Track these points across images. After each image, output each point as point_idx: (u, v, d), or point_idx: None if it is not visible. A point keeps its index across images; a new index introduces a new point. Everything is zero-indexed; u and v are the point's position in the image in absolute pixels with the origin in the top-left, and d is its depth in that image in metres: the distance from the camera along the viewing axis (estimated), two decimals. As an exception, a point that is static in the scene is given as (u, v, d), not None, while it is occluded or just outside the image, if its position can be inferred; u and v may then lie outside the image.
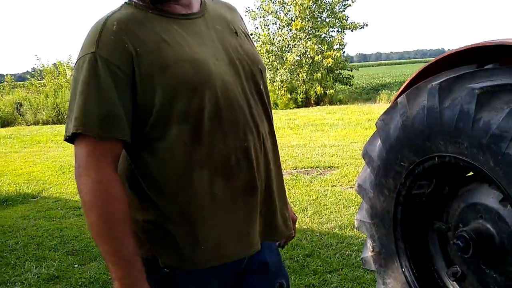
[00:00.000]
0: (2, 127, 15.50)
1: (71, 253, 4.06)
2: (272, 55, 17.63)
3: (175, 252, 1.22)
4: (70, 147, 7.32)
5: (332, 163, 6.71)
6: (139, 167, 1.21)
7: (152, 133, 1.18)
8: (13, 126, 15.80)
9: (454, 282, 2.05)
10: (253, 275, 1.36)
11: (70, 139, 1.16)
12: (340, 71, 18.56)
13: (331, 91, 17.42)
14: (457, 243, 1.88)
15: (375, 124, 2.18)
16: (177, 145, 1.17)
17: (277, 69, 17.33)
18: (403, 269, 2.12)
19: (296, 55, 17.42)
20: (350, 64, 21.07)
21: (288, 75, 17.27)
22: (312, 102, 17.15)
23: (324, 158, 7.08)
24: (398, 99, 2.04)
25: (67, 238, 4.42)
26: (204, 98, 1.17)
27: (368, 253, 2.30)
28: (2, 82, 24.90)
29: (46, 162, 8.36)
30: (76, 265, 3.79)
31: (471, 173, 1.93)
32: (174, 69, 1.15)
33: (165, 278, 1.24)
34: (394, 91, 14.89)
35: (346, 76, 18.66)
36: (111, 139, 1.14)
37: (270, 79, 16.75)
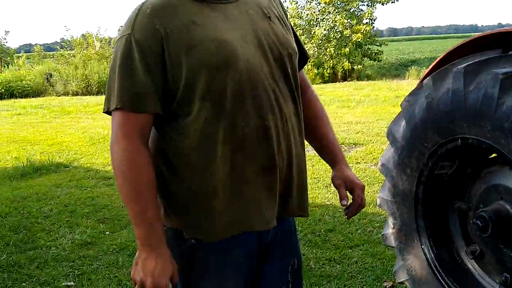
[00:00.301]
0: (33, 97, 15.88)
1: (102, 221, 4.23)
2: (300, 29, 17.47)
3: (196, 224, 1.31)
4: (100, 119, 7.55)
5: (357, 140, 6.72)
6: (167, 142, 1.31)
7: (179, 109, 1.28)
8: (43, 96, 16.16)
9: (472, 260, 2.11)
10: (275, 250, 1.43)
11: (107, 112, 1.29)
12: (369, 46, 18.28)
13: (359, 66, 17.23)
14: (476, 223, 1.93)
15: (400, 105, 2.22)
16: (200, 121, 1.26)
17: (304, 43, 17.19)
18: (423, 247, 2.19)
19: (324, 29, 17.22)
20: (380, 38, 20.70)
21: (316, 50, 17.12)
22: (339, 77, 17.01)
23: (350, 135, 7.09)
24: (424, 80, 2.07)
25: (98, 207, 4.60)
26: (227, 78, 1.25)
27: (389, 230, 2.37)
28: (31, 52, 25.37)
29: (77, 133, 8.59)
30: (107, 232, 3.96)
31: (493, 155, 1.96)
32: (199, 48, 1.23)
33: (192, 249, 1.34)
34: (424, 68, 14.62)
35: (375, 51, 18.37)
36: (141, 113, 1.25)
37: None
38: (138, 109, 1.24)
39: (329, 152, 1.61)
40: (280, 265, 1.47)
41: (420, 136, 2.08)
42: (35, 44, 24.82)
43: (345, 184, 1.57)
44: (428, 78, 2.03)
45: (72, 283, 3.14)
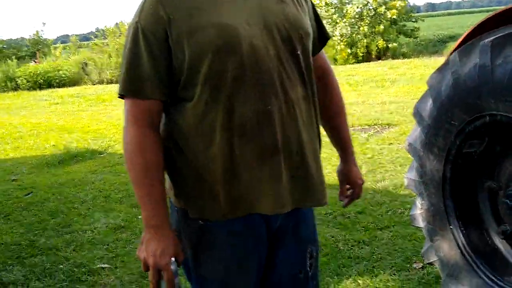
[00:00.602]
0: (69, 86, 16.26)
1: (135, 206, 4.31)
2: (332, 8, 17.13)
3: (199, 205, 1.33)
4: (133, 105, 7.64)
5: (391, 121, 6.59)
6: (172, 126, 1.33)
7: (183, 93, 1.29)
8: (79, 85, 16.52)
9: (503, 240, 2.05)
10: (287, 237, 1.42)
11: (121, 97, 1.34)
12: (404, 22, 17.74)
13: (394, 44, 16.76)
14: (506, 202, 1.87)
15: (426, 82, 2.16)
16: (200, 106, 1.26)
17: (337, 22, 16.86)
18: (451, 227, 2.14)
19: (357, 7, 16.83)
20: (417, 14, 20.03)
21: (348, 29, 16.76)
22: (374, 56, 16.62)
23: (383, 115, 6.96)
24: (450, 56, 2.01)
25: (131, 192, 4.68)
26: (227, 61, 1.24)
27: (417, 210, 2.33)
28: (68, 43, 25.96)
29: (111, 120, 8.77)
30: (139, 217, 4.03)
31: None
32: (200, 33, 1.23)
33: (201, 229, 1.35)
34: (461, 44, 14.09)
35: (411, 28, 17.82)
36: (147, 99, 1.28)
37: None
38: (142, 96, 1.27)
39: (343, 147, 1.65)
40: (294, 252, 1.44)
41: (447, 114, 2.02)
42: (72, 34, 25.37)
43: (348, 182, 1.66)
44: (454, 53, 1.96)
45: (107, 265, 3.23)
